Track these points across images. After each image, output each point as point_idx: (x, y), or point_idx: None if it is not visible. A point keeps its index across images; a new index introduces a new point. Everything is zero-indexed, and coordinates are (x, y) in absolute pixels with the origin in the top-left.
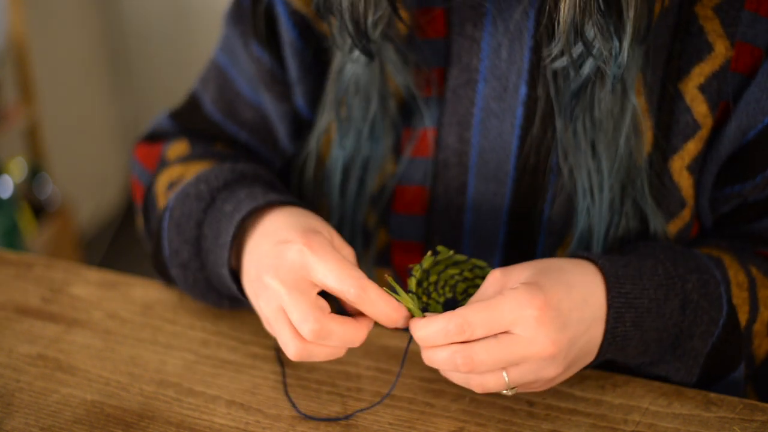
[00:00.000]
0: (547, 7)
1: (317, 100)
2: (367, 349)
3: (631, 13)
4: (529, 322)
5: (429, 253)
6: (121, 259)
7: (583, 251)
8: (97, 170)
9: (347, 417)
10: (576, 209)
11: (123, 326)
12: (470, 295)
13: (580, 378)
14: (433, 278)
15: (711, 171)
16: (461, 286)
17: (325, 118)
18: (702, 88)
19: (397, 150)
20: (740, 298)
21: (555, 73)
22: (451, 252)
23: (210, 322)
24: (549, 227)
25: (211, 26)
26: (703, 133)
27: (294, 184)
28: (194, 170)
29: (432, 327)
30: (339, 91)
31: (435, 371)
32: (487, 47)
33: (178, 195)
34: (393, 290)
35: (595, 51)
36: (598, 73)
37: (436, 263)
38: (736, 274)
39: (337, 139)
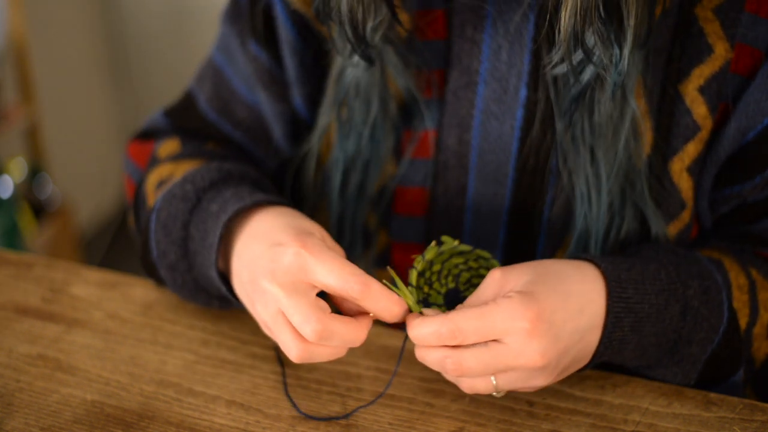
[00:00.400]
0: (548, 11)
1: (316, 101)
2: (367, 349)
3: (632, 21)
4: (520, 334)
5: (433, 243)
6: (121, 259)
7: (585, 254)
8: (97, 170)
9: (347, 416)
10: (574, 212)
11: (123, 326)
12: (474, 285)
13: (580, 378)
14: (436, 267)
15: (710, 172)
16: (465, 276)
17: (325, 120)
18: (702, 90)
19: (398, 151)
20: (740, 302)
21: (555, 77)
22: (456, 242)
23: (210, 322)
24: (549, 228)
25: (212, 26)
26: (703, 134)
27: (290, 185)
28: (184, 169)
29: (425, 328)
30: (339, 94)
31: (435, 371)
32: (488, 49)
33: (165, 196)
34: (394, 284)
35: (595, 58)
36: (598, 79)
37: (440, 253)
38: (736, 277)
39: (337, 141)
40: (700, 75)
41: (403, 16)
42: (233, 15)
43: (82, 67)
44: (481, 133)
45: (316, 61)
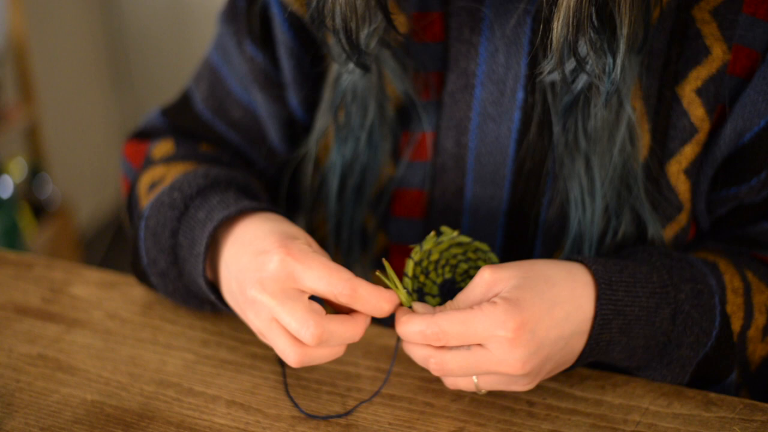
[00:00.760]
0: (543, 15)
1: (312, 103)
2: (366, 349)
3: (625, 30)
4: (502, 342)
5: (432, 233)
6: (121, 259)
7: (578, 255)
8: (97, 170)
9: (347, 414)
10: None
11: (123, 326)
12: (471, 276)
13: (580, 378)
14: (434, 257)
15: (707, 173)
16: (463, 267)
17: (322, 123)
18: (699, 92)
19: (396, 154)
20: (735, 305)
21: (552, 82)
22: (456, 233)
23: (210, 322)
24: (546, 230)
25: (212, 26)
26: (701, 136)
27: (287, 187)
28: (176, 171)
29: (411, 326)
30: (336, 98)
31: None
32: (485, 52)
33: (154, 203)
34: (387, 275)
35: (588, 68)
36: (593, 86)
37: (438, 243)
38: (731, 280)
39: (335, 146)
40: (697, 77)
41: (400, 19)
42: (230, 15)
43: (82, 66)
44: (478, 136)
45: (312, 64)
